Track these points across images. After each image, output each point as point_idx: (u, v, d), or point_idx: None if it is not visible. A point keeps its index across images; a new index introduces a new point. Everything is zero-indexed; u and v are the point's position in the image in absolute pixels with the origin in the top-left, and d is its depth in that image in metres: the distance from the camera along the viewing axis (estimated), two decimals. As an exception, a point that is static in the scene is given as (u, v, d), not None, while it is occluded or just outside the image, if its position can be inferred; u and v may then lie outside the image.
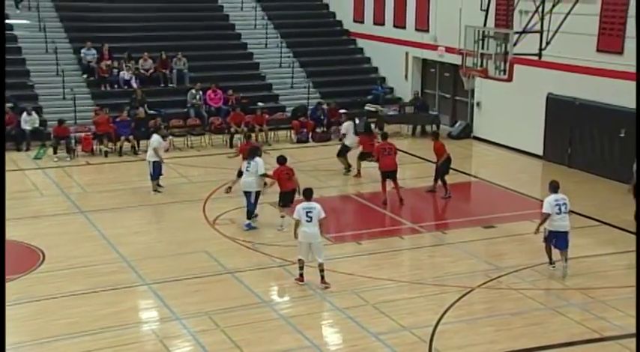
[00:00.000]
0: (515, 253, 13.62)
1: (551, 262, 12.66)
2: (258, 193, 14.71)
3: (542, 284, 12.32)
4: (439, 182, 16.89)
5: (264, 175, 14.71)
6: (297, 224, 11.95)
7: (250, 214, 14.73)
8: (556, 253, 12.54)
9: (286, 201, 14.55)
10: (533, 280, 12.44)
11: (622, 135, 17.57)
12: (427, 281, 12.40)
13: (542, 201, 16.95)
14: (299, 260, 12.08)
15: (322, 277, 12.01)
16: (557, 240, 12.35)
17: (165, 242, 14.28)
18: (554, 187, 12.55)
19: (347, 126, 19.02)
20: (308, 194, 12.28)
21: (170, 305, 11.41)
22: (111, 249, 13.73)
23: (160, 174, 17.10)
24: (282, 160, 14.71)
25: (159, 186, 17.11)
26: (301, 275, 12.09)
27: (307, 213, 11.83)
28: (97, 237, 14.33)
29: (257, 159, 14.71)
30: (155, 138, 17.04)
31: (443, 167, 16.87)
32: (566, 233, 12.33)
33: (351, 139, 18.74)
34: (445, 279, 12.47)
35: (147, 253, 13.57)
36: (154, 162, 16.87)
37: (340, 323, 10.98)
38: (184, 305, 11.41)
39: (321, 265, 11.96)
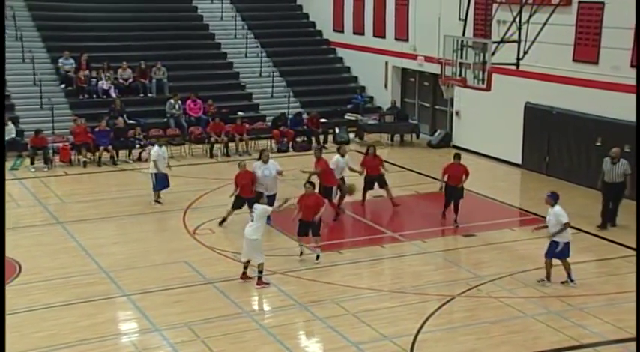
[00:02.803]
0: (495, 261, 13.68)
1: (549, 279, 12.55)
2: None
3: (522, 292, 12.37)
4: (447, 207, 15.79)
5: (280, 173, 15.45)
6: None
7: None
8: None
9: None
10: (512, 288, 12.51)
11: (598, 144, 17.76)
12: (408, 290, 12.42)
13: (521, 209, 17.24)
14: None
15: (259, 278, 12.44)
16: (566, 249, 12.44)
17: (145, 252, 14.19)
18: (556, 197, 12.56)
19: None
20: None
21: (150, 316, 11.34)
22: (89, 259, 13.62)
23: (167, 186, 16.91)
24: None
25: (159, 197, 16.92)
26: (244, 273, 12.56)
27: (250, 212, 12.62)
28: (76, 248, 14.22)
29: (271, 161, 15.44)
30: (154, 149, 16.92)
31: (460, 192, 15.60)
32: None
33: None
34: (425, 288, 12.50)
35: (126, 264, 13.48)
36: (155, 174, 16.75)
37: (321, 333, 10.97)
38: (164, 315, 11.34)
39: (260, 266, 12.40)
